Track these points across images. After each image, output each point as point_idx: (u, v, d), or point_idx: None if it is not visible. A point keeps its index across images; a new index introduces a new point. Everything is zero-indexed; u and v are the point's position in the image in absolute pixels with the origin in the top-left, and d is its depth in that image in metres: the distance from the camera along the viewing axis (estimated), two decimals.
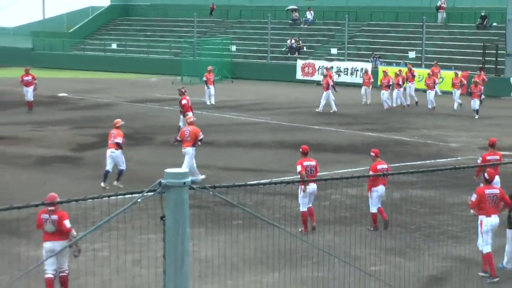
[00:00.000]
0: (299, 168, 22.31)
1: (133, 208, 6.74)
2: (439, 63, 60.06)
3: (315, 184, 21.97)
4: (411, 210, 22.57)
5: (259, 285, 16.54)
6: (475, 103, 44.13)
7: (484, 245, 18.20)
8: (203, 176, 26.44)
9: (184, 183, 5.97)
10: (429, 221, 21.74)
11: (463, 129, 39.54)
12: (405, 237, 20.69)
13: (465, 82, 50.50)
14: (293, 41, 72.84)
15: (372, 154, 23.00)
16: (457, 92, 48.03)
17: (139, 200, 6.27)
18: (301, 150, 22.93)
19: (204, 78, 50.63)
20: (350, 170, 27.49)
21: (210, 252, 17.26)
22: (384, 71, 51.97)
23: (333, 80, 49.54)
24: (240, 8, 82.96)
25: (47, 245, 16.35)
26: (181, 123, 33.59)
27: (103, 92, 57.64)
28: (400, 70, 52.94)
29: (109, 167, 26.63)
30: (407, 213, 22.09)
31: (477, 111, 43.96)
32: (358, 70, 63.58)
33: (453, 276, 18.00)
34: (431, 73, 50.97)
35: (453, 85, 48.86)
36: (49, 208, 15.87)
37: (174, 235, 5.91)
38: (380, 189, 21.93)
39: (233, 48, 74.50)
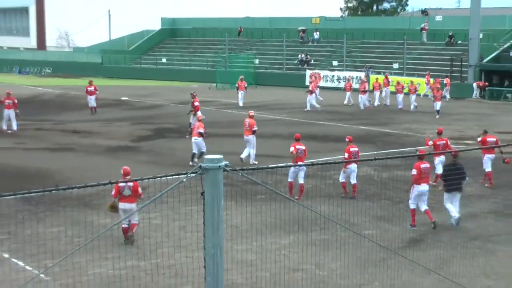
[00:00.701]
0: (291, 149, 22.48)
1: (180, 186, 6.72)
2: (416, 73, 60.04)
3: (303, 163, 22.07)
4: (396, 187, 22.45)
5: (278, 245, 16.53)
6: (437, 105, 43.34)
7: (411, 203, 19.22)
8: (256, 162, 27.39)
9: (219, 166, 5.95)
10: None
11: (436, 123, 39.29)
12: (392, 208, 20.62)
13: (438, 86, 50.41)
14: (303, 55, 72.93)
15: (347, 139, 22.94)
16: (413, 96, 47.19)
17: (184, 179, 6.25)
18: (294, 137, 23.09)
19: (236, 85, 50.62)
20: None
21: (239, 219, 17.26)
22: (361, 79, 51.91)
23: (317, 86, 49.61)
24: (261, 30, 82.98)
25: (123, 205, 17.26)
26: (191, 120, 33.91)
27: (155, 96, 57.77)
28: (377, 78, 52.87)
29: (194, 150, 27.23)
30: (393, 189, 21.99)
31: (438, 112, 43.11)
32: (354, 77, 63.43)
33: (428, 238, 17.94)
34: (414, 82, 50.75)
35: (409, 90, 47.96)
36: (126, 178, 17.12)
37: (211, 207, 5.89)
38: (353, 167, 21.94)
39: (256, 61, 74.63)
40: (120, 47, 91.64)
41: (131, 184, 17.20)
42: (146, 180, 7.15)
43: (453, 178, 18.96)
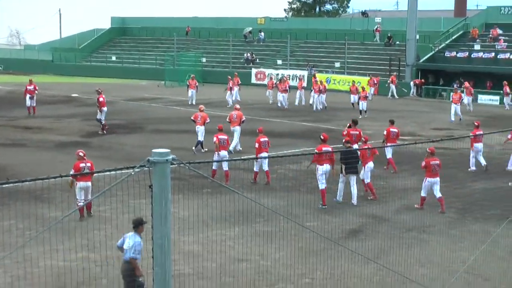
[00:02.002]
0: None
1: (129, 180, 6.73)
2: (356, 72, 60.63)
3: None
4: (337, 181, 22.62)
5: (223, 236, 16.58)
6: (362, 104, 42.30)
7: (320, 184, 20.19)
8: (241, 148, 28.91)
9: (167, 160, 5.96)
10: (350, 188, 21.81)
11: (375, 120, 39.76)
12: (332, 200, 20.81)
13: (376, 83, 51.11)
14: (248, 54, 73.10)
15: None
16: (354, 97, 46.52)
17: (132, 173, 6.25)
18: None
19: (187, 83, 50.37)
20: (291, 150, 27.50)
21: (187, 212, 17.25)
22: (282, 78, 52.00)
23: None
24: (209, 29, 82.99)
25: (81, 184, 17.85)
26: (98, 116, 35.08)
27: (105, 93, 56.99)
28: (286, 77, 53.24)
29: (200, 138, 28.51)
30: (335, 182, 22.14)
31: (365, 111, 42.04)
32: (297, 76, 63.80)
33: (367, 229, 18.16)
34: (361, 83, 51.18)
35: (351, 91, 48.33)
36: (84, 159, 18.51)
37: (159, 199, 5.91)
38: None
39: (204, 59, 74.62)
40: (71, 45, 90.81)
41: (89, 164, 18.17)
42: (96, 174, 7.14)
43: (349, 163, 20.16)
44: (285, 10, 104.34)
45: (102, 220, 15.76)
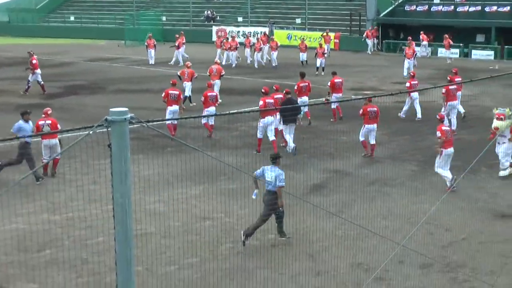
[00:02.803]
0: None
1: (90, 141, 6.66)
2: (318, 27, 60.46)
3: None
4: (299, 137, 22.73)
5: (187, 195, 16.56)
6: (321, 62, 41.48)
7: (259, 133, 21.28)
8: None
9: (125, 119, 5.88)
10: (312, 143, 21.92)
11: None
12: (295, 156, 20.90)
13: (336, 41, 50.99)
14: (209, 12, 72.54)
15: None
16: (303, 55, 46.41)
17: (90, 132, 6.17)
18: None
19: (145, 43, 49.69)
20: (252, 108, 27.47)
21: (150, 172, 17.20)
22: (232, 36, 51.38)
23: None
24: None
25: (45, 142, 18.05)
26: (30, 78, 34.72)
27: (64, 54, 56.54)
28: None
29: (187, 93, 29.29)
30: (297, 139, 22.21)
31: (322, 69, 41.16)
32: (258, 33, 63.53)
33: (330, 184, 18.29)
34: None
35: (325, 40, 49.12)
36: (43, 116, 18.93)
37: (118, 158, 5.84)
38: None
39: (164, 18, 73.89)
40: (28, 6, 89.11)
41: (49, 122, 18.50)
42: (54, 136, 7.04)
43: (288, 114, 20.89)
44: None
45: (62, 181, 15.65)
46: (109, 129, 5.95)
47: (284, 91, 22.29)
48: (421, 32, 51.62)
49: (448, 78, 26.28)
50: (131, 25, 71.49)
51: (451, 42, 49.78)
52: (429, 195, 16.94)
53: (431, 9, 57.29)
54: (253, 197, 14.24)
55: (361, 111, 20.99)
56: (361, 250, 13.58)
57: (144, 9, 78.11)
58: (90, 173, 16.72)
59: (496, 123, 18.66)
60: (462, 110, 26.33)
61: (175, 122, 23.17)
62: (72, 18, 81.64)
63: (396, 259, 12.59)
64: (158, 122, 7.64)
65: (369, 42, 56.06)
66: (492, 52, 51.14)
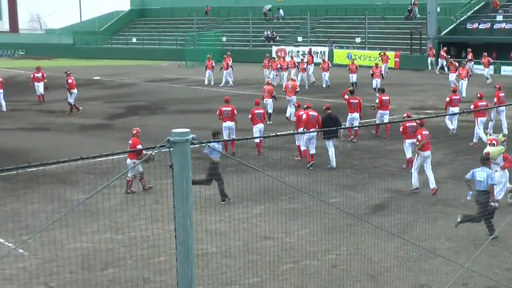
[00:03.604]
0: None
1: (152, 161, 6.71)
2: (378, 47, 60.18)
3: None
4: (360, 156, 22.62)
5: (248, 215, 16.57)
6: (376, 82, 39.81)
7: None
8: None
9: (187, 139, 5.93)
10: (374, 164, 21.76)
11: (397, 94, 39.53)
12: (356, 176, 20.76)
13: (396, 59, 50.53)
14: (268, 32, 72.87)
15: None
16: (384, 66, 47.15)
17: (153, 153, 6.24)
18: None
19: (205, 64, 49.84)
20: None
21: (211, 192, 17.27)
22: (273, 58, 50.61)
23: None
24: (228, 8, 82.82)
25: (128, 161, 18.37)
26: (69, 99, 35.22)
27: (126, 75, 57.42)
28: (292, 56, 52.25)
29: (269, 110, 30.03)
30: (358, 158, 22.11)
31: (378, 90, 37.28)
32: (318, 52, 63.57)
33: (391, 204, 18.09)
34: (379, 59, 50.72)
35: (382, 60, 48.79)
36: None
37: (180, 178, 5.88)
38: (259, 126, 23.45)
39: (224, 39, 74.47)
40: (91, 28, 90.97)
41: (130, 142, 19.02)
42: (117, 156, 7.11)
43: (330, 127, 21.65)
44: None
45: (125, 201, 15.82)
46: (171, 149, 6.00)
47: (324, 107, 22.98)
48: (484, 54, 50.08)
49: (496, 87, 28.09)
50: (192, 45, 72.23)
51: (491, 60, 48.81)
52: (495, 216, 16.60)
53: (494, 27, 56.52)
54: (468, 198, 15.72)
55: (401, 129, 21.37)
56: (424, 272, 13.36)
57: (204, 30, 78.92)
58: (153, 192, 16.88)
59: (487, 148, 17.95)
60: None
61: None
62: (134, 40, 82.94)
63: (460, 281, 12.36)
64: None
65: (436, 60, 55.32)
66: None
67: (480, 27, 57.29)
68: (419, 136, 19.20)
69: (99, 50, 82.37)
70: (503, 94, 28.02)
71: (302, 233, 15.31)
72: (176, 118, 33.08)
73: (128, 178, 18.50)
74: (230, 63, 47.97)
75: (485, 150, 17.96)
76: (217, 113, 24.64)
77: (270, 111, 30.15)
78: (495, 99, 27.60)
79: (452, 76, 41.19)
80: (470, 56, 48.11)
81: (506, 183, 17.67)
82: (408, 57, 59.47)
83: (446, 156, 23.39)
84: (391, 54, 57.52)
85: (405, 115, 22.53)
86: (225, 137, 22.76)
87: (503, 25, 56.13)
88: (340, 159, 22.30)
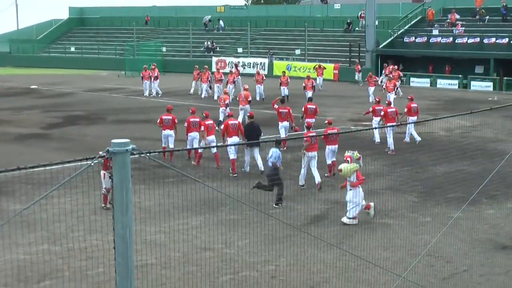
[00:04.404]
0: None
1: (89, 170, 6.63)
2: (317, 59, 60.70)
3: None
4: (300, 167, 22.70)
5: (187, 226, 16.51)
6: (308, 94, 38.72)
7: (230, 154, 22.89)
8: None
9: (127, 150, 5.88)
10: (312, 174, 21.87)
11: (336, 106, 39.95)
12: (295, 187, 20.87)
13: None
14: (209, 43, 72.88)
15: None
16: (318, 79, 48.67)
17: (92, 164, 6.17)
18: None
19: (141, 75, 49.50)
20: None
21: (150, 202, 17.15)
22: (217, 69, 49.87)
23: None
24: (168, 18, 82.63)
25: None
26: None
27: (65, 84, 56.72)
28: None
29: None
30: (297, 169, 22.20)
31: (308, 99, 35.24)
32: (258, 64, 63.84)
33: (330, 215, 18.22)
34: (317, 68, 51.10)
35: (317, 73, 49.61)
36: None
37: (120, 188, 5.83)
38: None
39: (164, 49, 74.21)
40: (29, 36, 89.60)
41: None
42: (55, 166, 7.02)
43: (251, 135, 22.75)
44: None
45: (63, 212, 15.58)
46: (111, 159, 5.95)
47: (248, 115, 24.20)
48: (385, 65, 51.07)
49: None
50: (132, 55, 71.80)
51: (401, 74, 50.34)
52: (430, 226, 16.89)
53: (430, 41, 57.57)
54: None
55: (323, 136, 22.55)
56: (362, 282, 13.50)
57: (144, 40, 78.53)
58: (91, 203, 16.69)
59: (341, 165, 17.84)
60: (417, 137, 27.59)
61: (215, 151, 23.69)
62: (72, 49, 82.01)
63: None
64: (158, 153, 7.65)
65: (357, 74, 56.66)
66: (491, 84, 51.27)
67: (417, 40, 58.27)
68: (305, 138, 20.80)
69: (37, 59, 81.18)
70: (415, 105, 28.78)
71: (242, 244, 15.32)
72: (115, 128, 32.80)
73: (103, 192, 18.03)
74: (156, 73, 47.80)
75: (339, 167, 17.92)
76: (158, 121, 24.83)
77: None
78: (406, 109, 28.65)
79: (371, 90, 42.43)
80: (387, 70, 48.13)
81: (360, 202, 17.44)
82: (347, 69, 60.12)
83: (384, 167, 23.69)
84: (329, 66, 58.05)
85: (326, 121, 23.28)
86: (164, 145, 23.76)
87: (439, 39, 57.21)
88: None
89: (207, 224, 16.85)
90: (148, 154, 6.26)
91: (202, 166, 23.26)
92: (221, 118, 30.73)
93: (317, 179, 20.84)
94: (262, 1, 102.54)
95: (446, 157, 25.04)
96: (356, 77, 56.62)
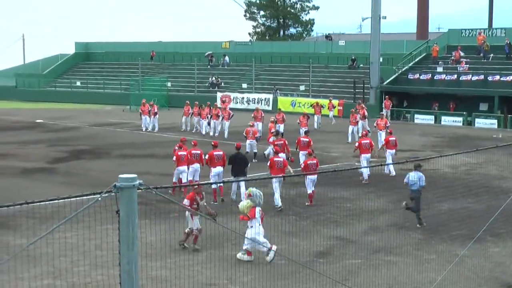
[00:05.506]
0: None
1: (95, 205, 6.65)
2: (321, 95, 60.92)
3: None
4: (304, 203, 22.72)
5: (191, 261, 16.46)
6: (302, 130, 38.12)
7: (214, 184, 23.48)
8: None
9: (134, 185, 5.92)
10: (317, 211, 21.88)
11: (340, 142, 39.98)
12: (300, 223, 20.83)
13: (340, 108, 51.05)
14: (213, 78, 73.23)
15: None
16: (318, 117, 48.80)
17: (99, 198, 6.20)
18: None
19: (140, 110, 49.87)
20: (257, 174, 27.43)
21: (154, 237, 17.13)
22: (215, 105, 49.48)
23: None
24: (173, 54, 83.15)
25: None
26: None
27: (70, 118, 56.93)
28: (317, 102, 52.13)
29: (254, 150, 32.79)
30: (301, 205, 22.21)
31: (305, 132, 35.37)
32: (262, 99, 64.12)
33: (334, 251, 18.17)
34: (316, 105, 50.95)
35: (315, 111, 49.37)
36: None
37: (126, 224, 5.86)
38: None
39: (169, 84, 74.54)
40: (35, 71, 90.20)
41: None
42: (62, 200, 7.05)
43: (238, 166, 23.34)
44: (249, 34, 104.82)
45: (68, 246, 15.58)
46: (117, 194, 5.98)
47: (236, 146, 24.74)
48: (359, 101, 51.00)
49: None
50: (137, 90, 72.12)
51: (391, 103, 52.54)
52: (435, 264, 16.81)
53: (435, 77, 57.78)
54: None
55: (302, 166, 24.34)
56: None
57: (149, 75, 78.95)
58: (97, 238, 16.65)
59: (240, 203, 17.78)
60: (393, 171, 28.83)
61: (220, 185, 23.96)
62: (78, 83, 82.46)
63: None
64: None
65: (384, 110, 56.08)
66: (495, 121, 51.35)
67: (421, 77, 58.50)
68: (268, 162, 23.17)
69: (43, 93, 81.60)
70: (393, 138, 29.85)
71: (246, 280, 15.26)
72: (120, 162, 32.85)
73: (188, 231, 17.87)
74: (156, 109, 48.19)
75: (240, 204, 17.83)
76: (207, 157, 24.68)
77: (255, 150, 32.77)
78: (383, 142, 30.49)
79: (350, 129, 41.14)
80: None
81: (258, 239, 16.89)
82: (352, 106, 60.17)
83: (388, 204, 23.65)
84: (334, 102, 58.25)
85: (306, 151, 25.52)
86: (190, 178, 24.74)
87: (443, 76, 57.42)
88: (284, 205, 22.39)
89: (211, 260, 16.79)
90: (155, 190, 6.29)
91: (207, 202, 23.22)
92: (248, 150, 32.35)
93: (278, 202, 22.42)
94: (267, 37, 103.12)
95: (451, 194, 25.00)
96: (330, 115, 54.77)
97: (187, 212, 17.83)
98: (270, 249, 17.07)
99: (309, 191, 23.37)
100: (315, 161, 24.01)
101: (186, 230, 17.81)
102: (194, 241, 17.89)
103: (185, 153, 24.86)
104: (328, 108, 51.74)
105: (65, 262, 15.21)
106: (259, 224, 17.19)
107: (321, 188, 25.63)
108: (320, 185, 26.07)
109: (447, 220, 21.07)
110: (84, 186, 25.86)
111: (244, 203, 17.47)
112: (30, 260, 15.18)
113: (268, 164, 23.75)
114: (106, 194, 6.17)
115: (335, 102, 56.43)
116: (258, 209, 17.14)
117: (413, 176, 20.61)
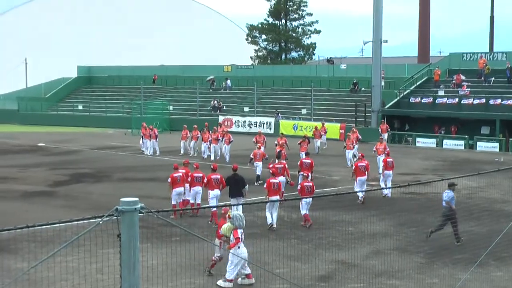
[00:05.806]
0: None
1: (96, 229, 6.66)
2: (323, 118, 60.96)
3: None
4: (306, 227, 22.67)
5: (193, 285, 16.42)
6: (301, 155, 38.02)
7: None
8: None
9: (135, 208, 5.92)
10: (319, 234, 21.83)
11: (342, 166, 39.96)
12: (301, 247, 20.78)
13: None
14: (215, 101, 73.40)
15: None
16: (318, 141, 48.89)
17: (101, 222, 6.20)
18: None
19: (141, 133, 49.86)
20: (258, 197, 27.41)
21: (155, 261, 17.09)
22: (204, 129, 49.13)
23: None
24: (175, 77, 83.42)
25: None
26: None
27: (72, 142, 56.99)
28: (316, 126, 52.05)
29: (258, 172, 33.56)
30: (303, 228, 22.16)
31: (306, 153, 35.37)
32: (264, 123, 64.23)
33: (336, 275, 18.11)
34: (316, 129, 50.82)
35: (314, 135, 49.27)
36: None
37: (128, 248, 5.85)
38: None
39: (171, 107, 74.70)
40: (37, 94, 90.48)
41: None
42: (64, 224, 7.05)
43: (236, 186, 24.00)
44: (251, 57, 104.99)
45: (69, 270, 15.55)
46: (119, 218, 5.98)
47: (232, 167, 25.51)
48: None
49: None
50: (139, 114, 72.24)
51: (388, 127, 52.76)
52: None
53: (436, 101, 57.85)
54: None
55: (299, 187, 24.71)
56: None
57: (151, 98, 79.14)
58: (98, 262, 16.60)
59: (223, 226, 17.57)
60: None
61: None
62: (80, 107, 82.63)
63: None
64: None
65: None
66: (497, 144, 51.35)
67: (423, 101, 58.56)
68: (265, 184, 23.84)
69: (45, 117, 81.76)
70: (390, 160, 31.17)
71: None
72: (121, 186, 32.85)
73: (214, 258, 17.80)
74: (156, 133, 48.34)
75: (221, 228, 17.68)
76: (205, 181, 24.88)
77: (259, 173, 33.35)
78: (382, 163, 31.50)
79: (350, 153, 41.09)
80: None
81: (241, 262, 16.84)
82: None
83: (390, 227, 23.60)
84: (336, 126, 58.29)
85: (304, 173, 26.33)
86: (192, 201, 25.18)
87: (445, 99, 57.50)
88: (286, 229, 22.36)
89: (212, 284, 16.75)
90: (157, 214, 6.30)
91: (209, 225, 23.17)
92: (259, 173, 33.39)
93: (274, 222, 22.97)
94: (268, 61, 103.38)
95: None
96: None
97: (216, 239, 17.77)
98: (248, 277, 17.10)
99: (303, 212, 23.75)
100: (310, 184, 24.55)
101: (214, 258, 17.78)
102: (212, 266, 17.84)
103: (180, 174, 25.20)
104: (315, 136, 50.88)
105: (66, 286, 15.17)
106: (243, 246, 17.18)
107: (323, 212, 25.59)
108: (322, 209, 26.03)
109: (449, 244, 21.02)
110: (85, 209, 25.85)
111: (225, 226, 17.39)
112: (31, 284, 15.14)
113: (265, 186, 24.12)
114: (107, 218, 6.17)
115: (329, 126, 56.27)
116: (240, 231, 17.06)
117: (444, 195, 21.41)
